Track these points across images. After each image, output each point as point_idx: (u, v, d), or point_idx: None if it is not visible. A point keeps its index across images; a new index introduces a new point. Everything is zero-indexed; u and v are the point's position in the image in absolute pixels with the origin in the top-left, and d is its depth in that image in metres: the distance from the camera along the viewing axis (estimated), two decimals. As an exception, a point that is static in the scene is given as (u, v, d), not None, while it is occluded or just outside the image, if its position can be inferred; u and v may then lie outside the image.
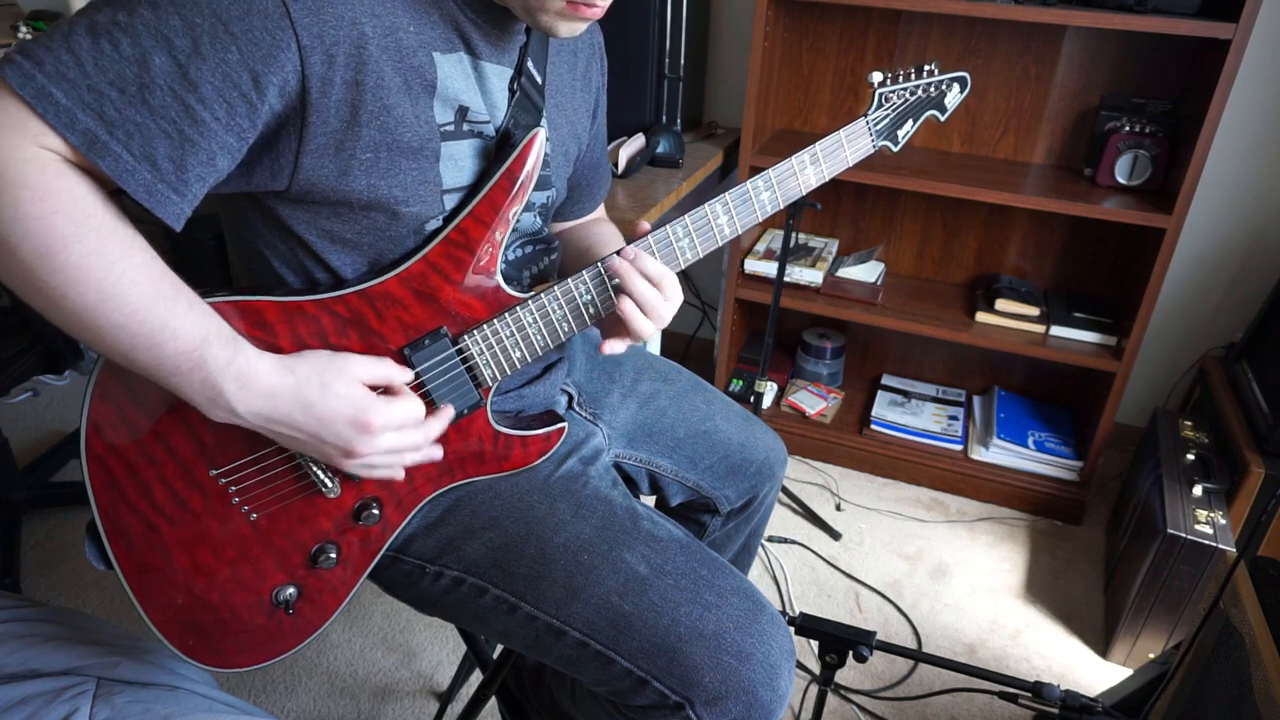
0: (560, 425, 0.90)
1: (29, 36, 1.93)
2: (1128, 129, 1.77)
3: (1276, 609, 0.98)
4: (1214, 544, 1.44)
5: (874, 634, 1.10)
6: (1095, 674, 1.60)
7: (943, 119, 0.99)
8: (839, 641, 1.10)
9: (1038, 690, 1.12)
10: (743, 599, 0.81)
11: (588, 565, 0.81)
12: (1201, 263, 1.99)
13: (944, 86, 0.97)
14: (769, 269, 2.03)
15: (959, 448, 2.06)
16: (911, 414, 2.14)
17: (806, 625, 1.12)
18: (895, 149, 0.97)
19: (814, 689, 1.52)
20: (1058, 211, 1.76)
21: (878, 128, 0.94)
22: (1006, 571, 1.84)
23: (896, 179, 1.83)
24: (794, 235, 1.89)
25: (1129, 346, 1.77)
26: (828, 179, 0.92)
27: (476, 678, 1.47)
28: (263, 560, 0.81)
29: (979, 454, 2.04)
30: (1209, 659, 1.08)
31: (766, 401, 2.02)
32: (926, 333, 1.96)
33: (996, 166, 1.93)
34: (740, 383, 2.18)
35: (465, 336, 0.80)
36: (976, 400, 2.23)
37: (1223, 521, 1.49)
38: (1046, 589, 1.80)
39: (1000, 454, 2.01)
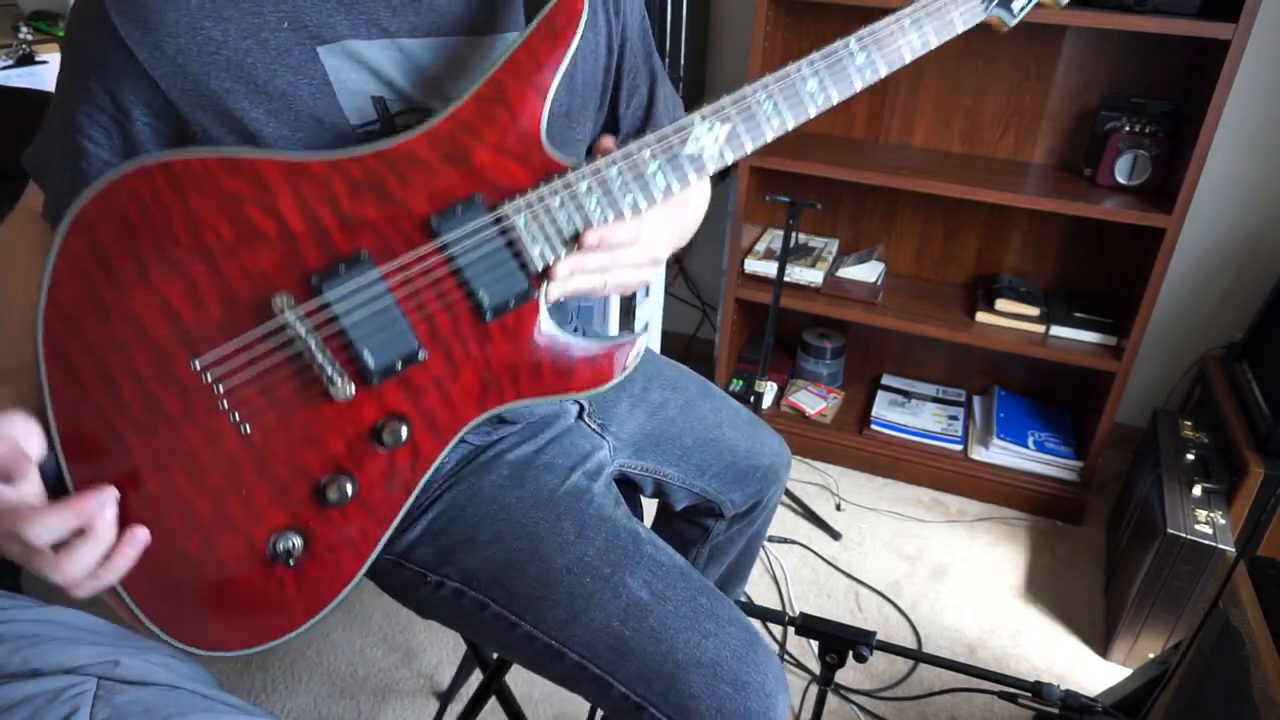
0: (641, 335, 0.77)
1: (29, 37, 1.93)
2: (1128, 129, 1.77)
3: (1276, 609, 0.98)
4: (1214, 544, 1.44)
5: (874, 634, 1.10)
6: (1095, 674, 1.60)
7: (1063, 2, 0.85)
8: (839, 641, 1.10)
9: (1038, 690, 1.12)
10: (740, 629, 0.81)
11: (590, 589, 0.80)
12: (1201, 263, 1.99)
13: None
14: (769, 269, 2.03)
15: (959, 448, 2.06)
16: (911, 414, 2.14)
17: (806, 625, 1.12)
18: (1011, 22, 0.81)
19: (814, 689, 1.52)
20: (1058, 211, 1.77)
21: None
22: (1006, 571, 1.84)
23: (896, 179, 1.83)
24: (794, 235, 1.89)
25: (1129, 346, 1.77)
26: (933, 46, 0.76)
27: (476, 678, 1.48)
28: (257, 492, 0.67)
29: (979, 454, 2.04)
30: (1208, 659, 1.08)
31: (766, 401, 2.03)
32: (926, 333, 1.96)
33: (996, 166, 1.93)
34: (740, 383, 2.18)
35: (506, 204, 0.69)
36: (976, 400, 2.23)
37: (1222, 521, 1.49)
38: (1046, 589, 1.80)
39: (1000, 454, 2.01)
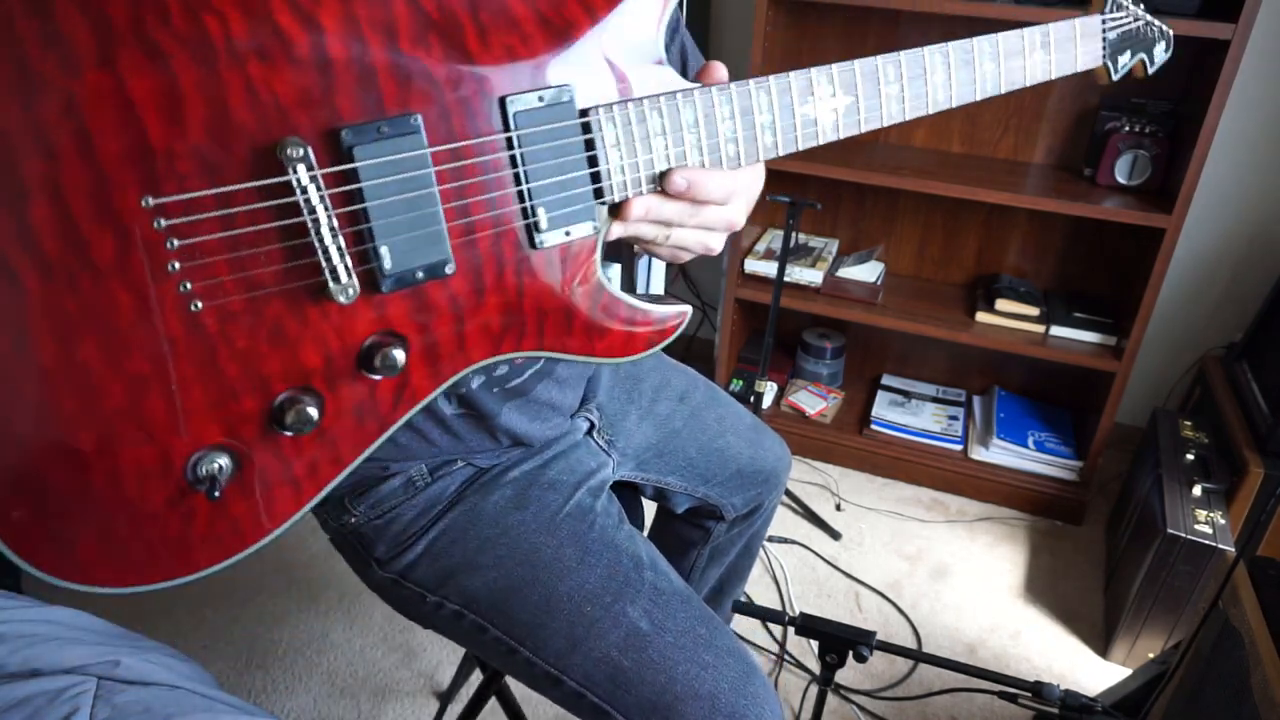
0: (684, 310, 0.67)
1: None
2: (1128, 129, 1.77)
3: (1276, 609, 0.98)
4: (1213, 544, 1.44)
5: (874, 634, 1.10)
6: (1095, 674, 1.60)
7: (1150, 71, 0.86)
8: (839, 641, 1.10)
9: (1038, 690, 1.12)
10: (738, 660, 0.80)
11: (590, 618, 0.79)
12: (1201, 263, 1.99)
13: (1157, 32, 0.85)
14: (769, 269, 2.03)
15: (959, 448, 2.06)
16: (911, 414, 2.14)
17: (806, 625, 1.12)
18: (1114, 76, 0.82)
19: (814, 689, 1.52)
20: (1058, 211, 1.77)
21: (1110, 36, 0.77)
22: (1006, 571, 1.84)
23: (896, 179, 1.83)
24: (794, 235, 1.89)
25: (1129, 346, 1.77)
26: (1053, 77, 0.75)
27: (476, 678, 1.48)
28: (191, 391, 0.51)
29: (979, 454, 2.04)
30: (1208, 659, 1.08)
31: (766, 401, 2.02)
32: (926, 333, 1.96)
33: (996, 166, 1.93)
34: (740, 383, 2.18)
35: (600, 109, 0.56)
36: (976, 400, 2.23)
37: (1222, 521, 1.49)
38: (1046, 589, 1.80)
39: (1000, 454, 2.01)
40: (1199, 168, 1.59)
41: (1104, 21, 0.79)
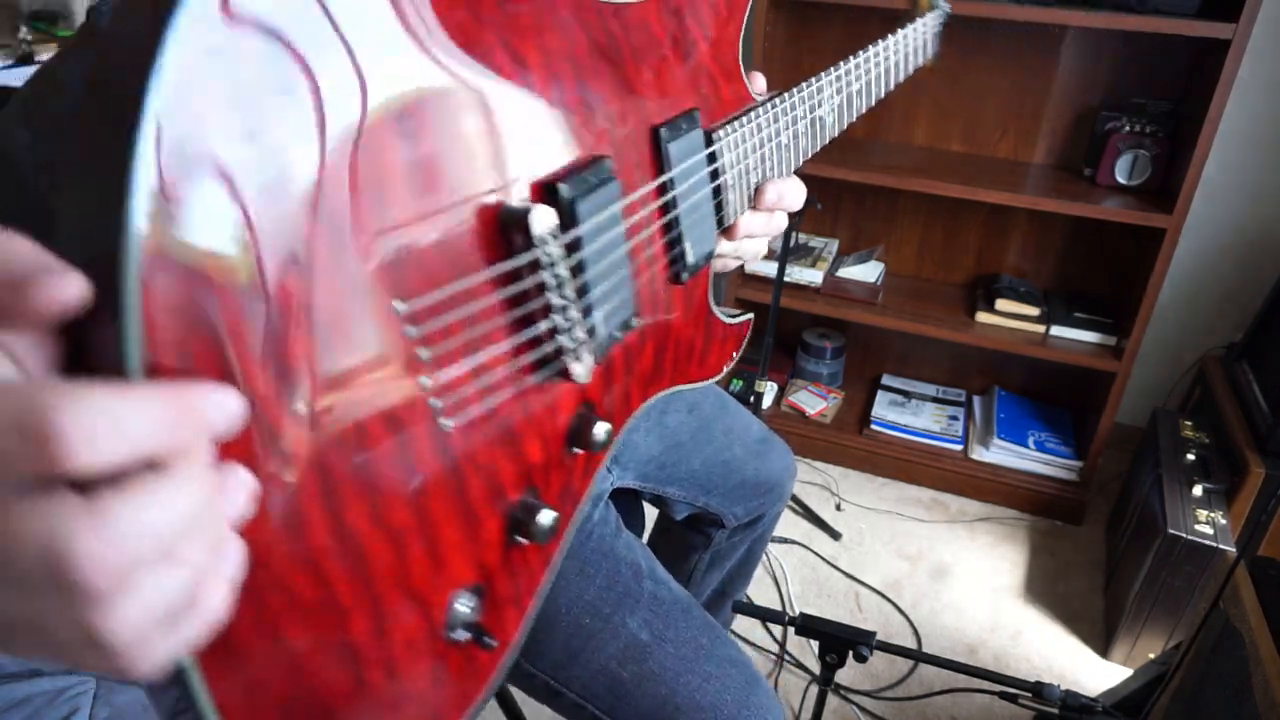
0: (748, 317, 0.67)
1: (29, 37, 1.93)
2: (1128, 129, 1.77)
3: (1276, 609, 0.98)
4: (1214, 544, 1.43)
5: (874, 634, 1.10)
6: (1095, 674, 1.60)
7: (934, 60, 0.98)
8: (839, 641, 1.10)
9: (1038, 690, 1.12)
10: (740, 671, 0.79)
11: (589, 630, 0.78)
12: (1201, 263, 1.99)
13: (944, 19, 0.94)
14: (769, 269, 2.03)
15: (959, 448, 2.06)
16: (911, 414, 2.14)
17: (806, 625, 1.12)
18: (933, 63, 0.93)
19: (814, 689, 1.52)
20: (1058, 211, 1.77)
21: (938, 32, 0.87)
22: (1006, 571, 1.84)
23: (896, 179, 1.83)
24: (794, 235, 1.89)
25: (1129, 346, 1.77)
26: (913, 69, 0.84)
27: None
28: (446, 528, 0.41)
29: (979, 454, 2.04)
30: (1209, 659, 1.08)
31: (766, 401, 2.03)
32: (926, 333, 1.96)
33: (996, 166, 1.93)
34: (740, 383, 2.18)
35: (719, 131, 0.54)
36: (976, 400, 2.23)
37: (1223, 521, 1.49)
38: (1046, 589, 1.80)
39: (1000, 454, 2.01)
40: (1199, 168, 1.59)
41: (943, 18, 0.90)
